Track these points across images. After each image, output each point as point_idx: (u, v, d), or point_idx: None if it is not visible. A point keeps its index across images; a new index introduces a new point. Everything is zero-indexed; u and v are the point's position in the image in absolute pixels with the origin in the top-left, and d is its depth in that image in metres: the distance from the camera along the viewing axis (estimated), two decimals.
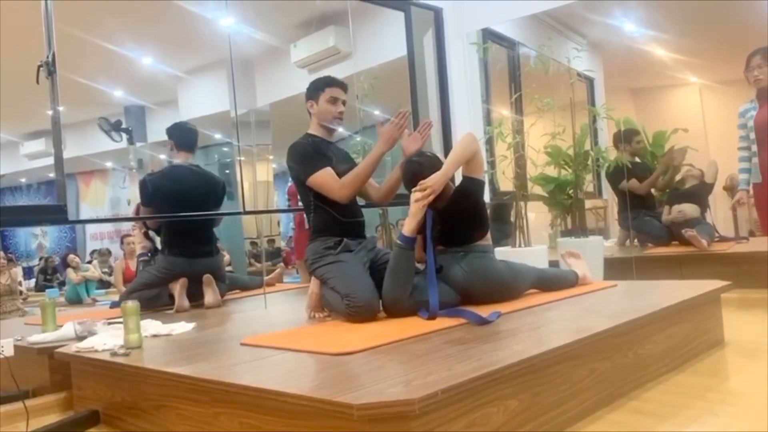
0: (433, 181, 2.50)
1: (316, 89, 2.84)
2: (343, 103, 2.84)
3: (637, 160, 4.86)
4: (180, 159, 3.65)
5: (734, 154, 4.04)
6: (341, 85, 2.86)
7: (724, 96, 4.87)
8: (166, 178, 3.61)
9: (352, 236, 2.77)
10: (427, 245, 2.56)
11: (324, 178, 2.69)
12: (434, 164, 2.62)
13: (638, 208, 4.78)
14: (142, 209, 3.61)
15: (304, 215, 2.96)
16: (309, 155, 2.73)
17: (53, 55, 2.92)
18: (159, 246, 3.79)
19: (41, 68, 2.92)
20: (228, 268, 4.51)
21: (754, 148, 3.89)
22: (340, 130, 2.97)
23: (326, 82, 2.84)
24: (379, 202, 2.99)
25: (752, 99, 3.91)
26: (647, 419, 1.83)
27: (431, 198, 2.50)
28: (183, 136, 3.69)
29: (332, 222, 2.74)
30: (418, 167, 2.63)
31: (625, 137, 4.80)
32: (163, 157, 4.24)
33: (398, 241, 2.54)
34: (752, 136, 3.89)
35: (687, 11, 4.64)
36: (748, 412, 1.83)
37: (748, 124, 3.91)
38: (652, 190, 4.86)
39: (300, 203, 2.89)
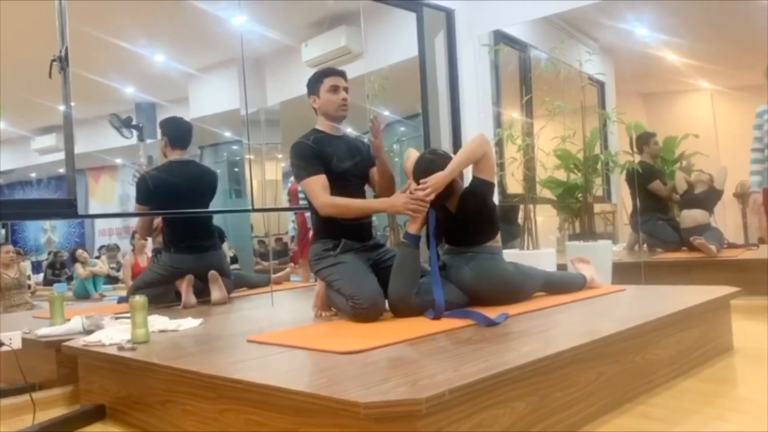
0: (433, 181, 2.51)
1: (314, 83, 2.79)
2: (345, 90, 2.78)
3: (652, 162, 4.85)
4: (175, 156, 3.60)
5: (746, 161, 4.00)
6: (339, 72, 2.79)
7: (736, 102, 4.84)
8: (166, 173, 3.58)
9: (354, 238, 2.71)
10: (430, 244, 2.56)
11: (313, 186, 2.64)
12: (446, 163, 2.60)
13: (651, 212, 4.75)
14: (137, 207, 3.56)
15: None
16: (306, 158, 2.67)
17: (66, 49, 2.93)
18: None
19: (54, 63, 2.93)
20: (235, 266, 4.51)
21: None
22: (349, 130, 2.94)
23: (324, 73, 2.79)
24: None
25: None
26: (655, 424, 1.82)
27: (432, 197, 2.50)
28: (178, 133, 3.64)
29: (332, 223, 2.68)
30: (430, 164, 2.62)
31: (644, 140, 4.81)
32: None
33: (403, 240, 2.54)
34: (767, 139, 3.85)
35: (700, 16, 4.62)
36: (756, 419, 1.81)
37: (765, 126, 3.86)
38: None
39: (301, 202, 2.85)
